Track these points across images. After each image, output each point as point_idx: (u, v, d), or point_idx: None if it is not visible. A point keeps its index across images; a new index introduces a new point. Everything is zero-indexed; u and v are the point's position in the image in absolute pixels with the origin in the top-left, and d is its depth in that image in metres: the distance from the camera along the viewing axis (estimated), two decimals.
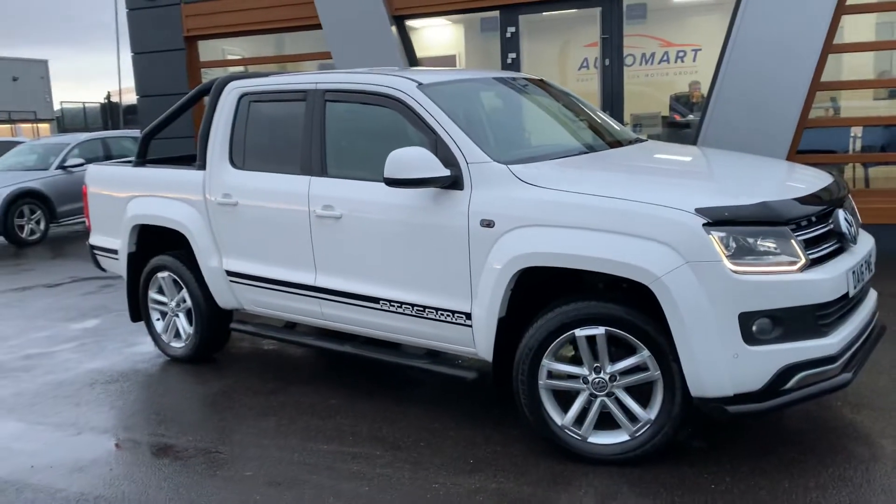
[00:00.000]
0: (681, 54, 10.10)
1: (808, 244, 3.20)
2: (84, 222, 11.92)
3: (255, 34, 10.05)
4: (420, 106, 3.86)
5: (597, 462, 3.40)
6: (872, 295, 3.75)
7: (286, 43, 10.65)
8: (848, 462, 3.32)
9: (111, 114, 31.17)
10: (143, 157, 5.47)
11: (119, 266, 5.48)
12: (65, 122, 35.99)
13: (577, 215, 3.31)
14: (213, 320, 5.02)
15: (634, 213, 3.20)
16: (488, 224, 3.53)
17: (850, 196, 3.83)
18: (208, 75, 10.35)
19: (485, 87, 4.60)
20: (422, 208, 3.76)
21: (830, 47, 7.29)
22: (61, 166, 11.94)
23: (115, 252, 5.47)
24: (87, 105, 34.60)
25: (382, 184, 3.77)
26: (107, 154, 12.71)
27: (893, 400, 3.91)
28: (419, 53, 9.27)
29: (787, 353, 3.08)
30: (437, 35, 11.20)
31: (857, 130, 8.40)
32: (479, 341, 3.65)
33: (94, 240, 5.71)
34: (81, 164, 11.83)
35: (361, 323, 4.17)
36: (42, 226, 11.52)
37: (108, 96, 31.98)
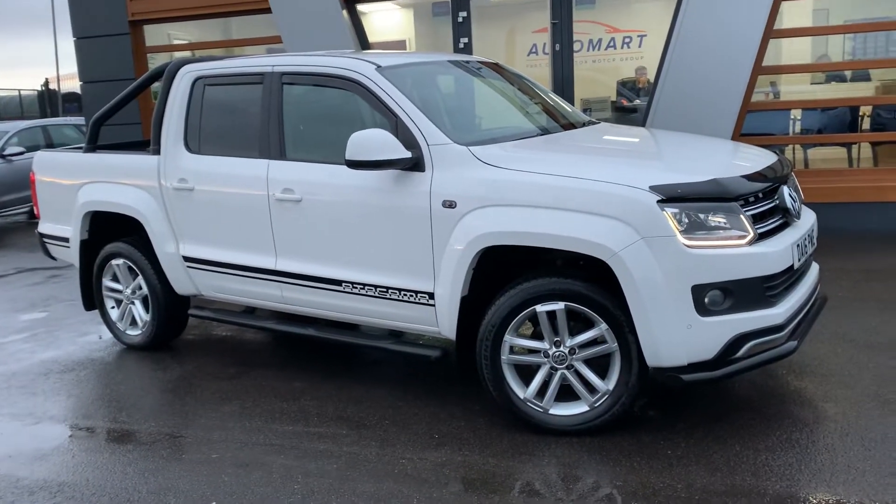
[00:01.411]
0: (627, 40, 10.29)
1: (756, 219, 3.36)
2: (27, 212, 11.61)
3: (201, 18, 9.87)
4: (380, 88, 3.90)
5: (558, 433, 3.52)
6: (815, 268, 3.94)
7: (234, 27, 10.49)
8: (794, 426, 3.50)
9: (49, 101, 30.16)
10: (94, 143, 5.37)
11: (71, 254, 5.38)
12: None
13: (536, 195, 3.40)
14: (170, 307, 4.98)
15: (592, 191, 3.30)
16: (450, 205, 3.60)
17: (793, 174, 4.02)
18: (155, 60, 10.14)
19: (442, 69, 4.66)
20: (383, 190, 3.80)
21: (771, 32, 7.54)
22: (0, 155, 11.55)
23: (66, 240, 5.37)
24: (23, 92, 33.36)
25: (342, 166, 3.80)
26: (48, 142, 12.34)
27: (834, 367, 4.13)
28: (370, 38, 9.25)
29: (738, 323, 3.23)
30: (387, 19, 11.18)
31: (796, 113, 8.72)
32: (442, 320, 3.72)
33: (44, 228, 5.59)
34: (22, 153, 11.47)
35: (323, 306, 4.20)
36: None
37: (46, 83, 30.91)
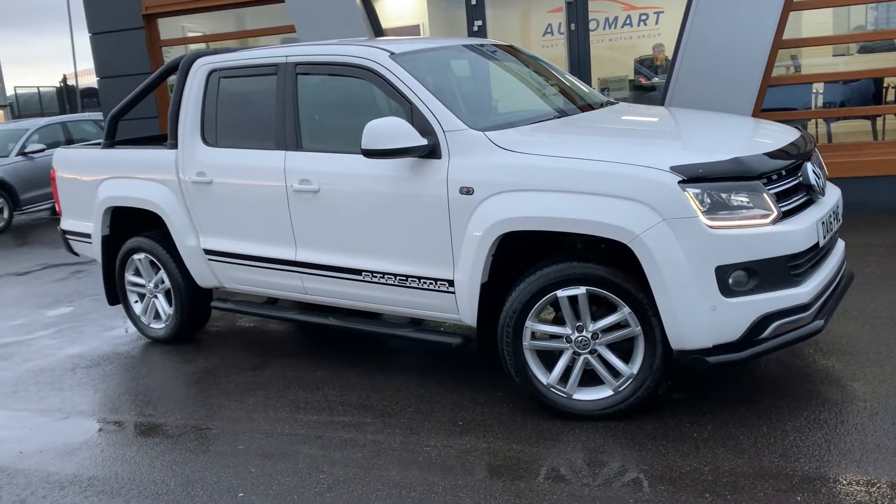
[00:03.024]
0: (643, 17, 10.14)
1: (780, 197, 3.30)
2: (49, 209, 11.74)
3: (215, 10, 9.86)
4: (394, 75, 3.87)
5: (582, 418, 3.50)
6: (840, 245, 3.87)
7: (248, 18, 10.48)
8: (822, 406, 3.46)
9: (68, 97, 30.42)
10: (112, 139, 5.39)
11: (93, 250, 5.42)
12: (19, 108, 35.05)
13: (554, 179, 3.37)
14: (192, 300, 5.01)
15: (611, 173, 3.26)
16: (467, 191, 3.57)
17: (816, 150, 3.94)
18: (170, 54, 10.17)
19: (456, 54, 4.61)
20: (400, 178, 3.78)
21: (791, 4, 7.39)
22: (21, 152, 11.68)
23: (87, 236, 5.42)
24: (41, 89, 33.68)
25: (359, 155, 3.78)
26: (68, 138, 12.45)
27: (862, 345, 4.06)
28: (384, 24, 9.20)
29: (763, 303, 3.18)
30: (400, 5, 11.11)
31: (818, 87, 8.55)
32: (463, 307, 3.71)
33: (66, 224, 5.64)
34: (42, 150, 11.59)
35: (344, 295, 4.20)
36: (6, 214, 11.29)
37: (64, 79, 31.19)
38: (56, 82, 32.55)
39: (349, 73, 4.07)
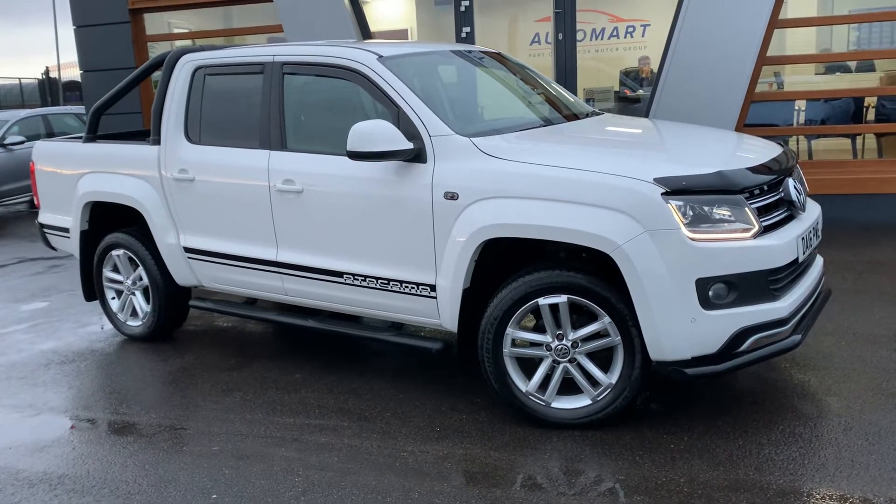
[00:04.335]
0: (630, 30, 10.22)
1: (761, 212, 3.33)
2: (28, 201, 11.58)
3: (202, 7, 9.81)
4: (381, 78, 3.86)
5: (560, 426, 3.50)
6: (819, 261, 3.91)
7: (235, 16, 10.43)
8: (797, 419, 3.48)
9: (50, 90, 30.06)
10: (94, 133, 5.33)
11: (71, 244, 5.36)
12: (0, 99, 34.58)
13: (539, 186, 3.37)
14: (171, 298, 4.96)
15: (595, 183, 3.27)
16: (452, 196, 3.57)
17: (798, 166, 3.98)
18: (155, 49, 10.08)
19: (444, 59, 4.62)
20: (384, 181, 3.77)
21: (776, 22, 7.48)
22: (0, 144, 11.51)
23: (66, 230, 5.35)
24: (23, 81, 33.26)
25: (343, 157, 3.77)
26: (48, 131, 12.30)
27: (838, 360, 4.10)
28: (372, 27, 9.19)
29: (742, 316, 3.21)
30: (389, 8, 11.12)
31: (800, 104, 8.66)
32: (444, 313, 3.70)
33: (44, 218, 5.57)
34: (22, 142, 11.43)
35: (325, 297, 4.18)
36: None
37: (47, 72, 30.78)
38: (38, 74, 32.09)
39: (336, 74, 4.06)
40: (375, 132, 3.61)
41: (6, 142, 11.53)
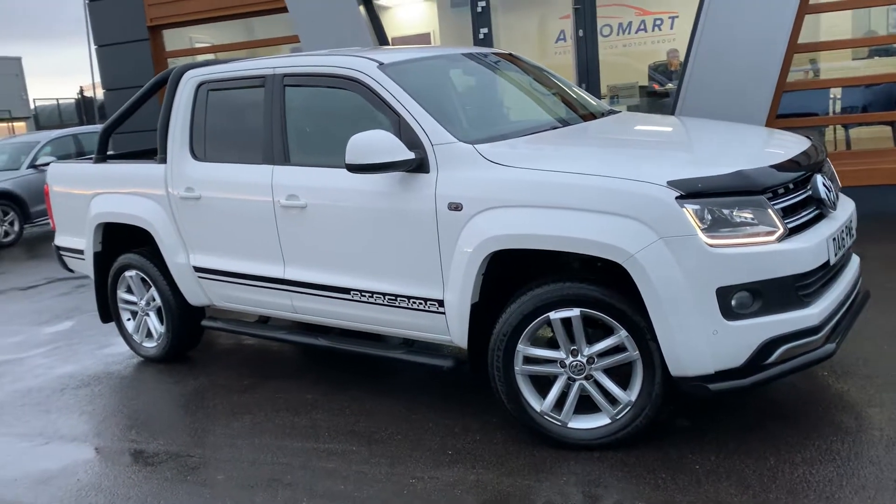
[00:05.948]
0: (658, 22, 9.96)
1: (786, 212, 3.09)
2: None
3: (221, 20, 9.80)
4: (381, 86, 3.71)
5: (578, 447, 3.30)
6: (855, 261, 3.65)
7: (256, 28, 10.41)
8: (835, 434, 3.23)
9: (86, 109, 30.65)
10: (104, 153, 5.29)
11: (86, 266, 5.32)
12: (41, 119, 35.39)
13: (546, 194, 3.18)
14: (184, 318, 4.88)
15: (604, 188, 3.07)
16: (456, 207, 3.40)
17: (828, 160, 3.72)
18: (176, 65, 10.12)
19: (451, 64, 4.44)
20: (387, 194, 3.62)
21: (807, 7, 7.16)
22: (33, 165, 11.68)
23: (80, 252, 5.31)
24: (61, 101, 34.00)
25: (346, 170, 3.62)
26: (79, 151, 12.46)
27: (880, 368, 3.83)
28: (392, 33, 9.09)
29: (769, 326, 2.97)
30: (410, 13, 11.00)
31: (836, 92, 8.29)
32: (453, 328, 3.53)
33: (60, 240, 5.54)
34: None
35: (333, 315, 4.04)
36: (16, 227, 11.29)
37: (81, 91, 31.39)
38: (75, 94, 32.73)
39: (337, 84, 3.92)
40: (374, 143, 3.45)
41: (38, 163, 11.69)
